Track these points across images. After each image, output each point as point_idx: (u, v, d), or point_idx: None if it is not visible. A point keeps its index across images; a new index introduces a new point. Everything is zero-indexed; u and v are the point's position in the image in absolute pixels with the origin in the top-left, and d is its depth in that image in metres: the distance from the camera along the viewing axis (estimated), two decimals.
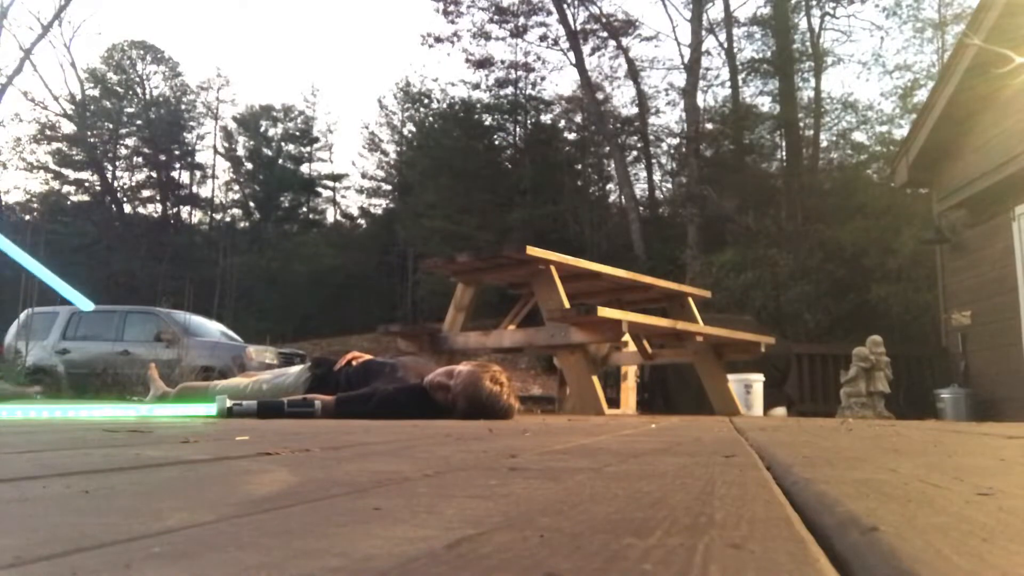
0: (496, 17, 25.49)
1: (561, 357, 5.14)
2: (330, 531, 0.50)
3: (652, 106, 26.16)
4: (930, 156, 9.09)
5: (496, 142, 28.02)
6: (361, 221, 31.92)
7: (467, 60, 27.02)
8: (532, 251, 4.58)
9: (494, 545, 0.46)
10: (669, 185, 26.52)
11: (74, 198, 29.93)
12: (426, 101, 29.48)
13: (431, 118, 28.88)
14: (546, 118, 28.13)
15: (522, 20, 25.65)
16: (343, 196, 33.06)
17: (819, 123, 22.15)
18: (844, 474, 0.92)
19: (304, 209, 32.34)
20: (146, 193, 31.38)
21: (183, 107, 31.36)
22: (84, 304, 3.87)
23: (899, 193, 13.18)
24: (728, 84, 23.01)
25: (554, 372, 8.33)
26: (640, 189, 25.76)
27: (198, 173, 31.72)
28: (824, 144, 22.63)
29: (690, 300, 6.07)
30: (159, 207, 31.50)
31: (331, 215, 33.10)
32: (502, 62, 27.02)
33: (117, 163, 30.33)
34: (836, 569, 0.44)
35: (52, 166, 28.80)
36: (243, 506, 0.61)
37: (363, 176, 32.57)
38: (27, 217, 28.08)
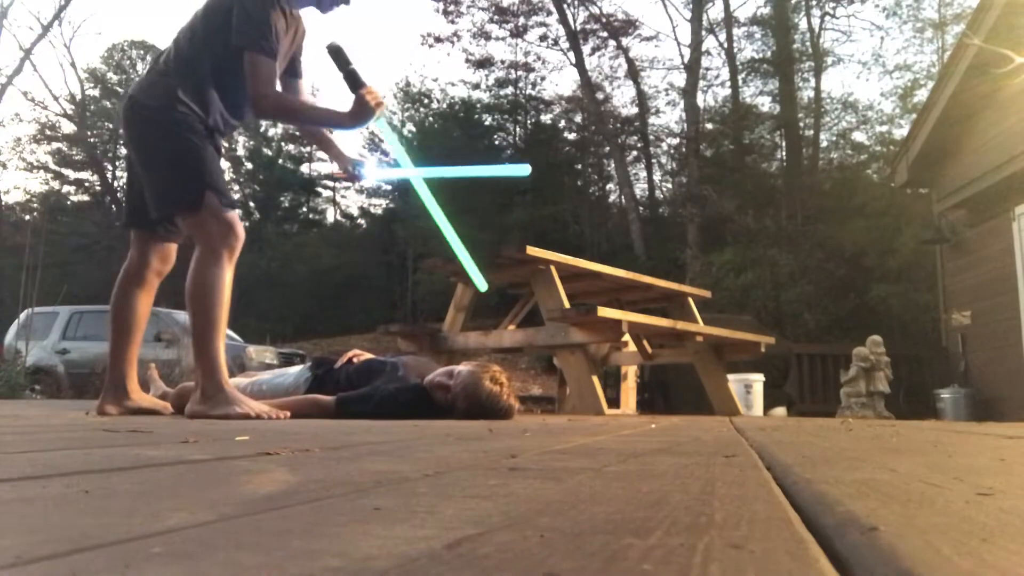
0: (496, 17, 25.52)
1: (561, 357, 5.14)
2: (330, 531, 0.50)
3: (652, 106, 26.18)
4: (930, 156, 9.09)
5: (496, 142, 28.00)
6: (361, 221, 31.92)
7: (467, 60, 27.07)
8: (532, 251, 4.58)
9: (494, 545, 0.46)
10: (669, 185, 26.54)
11: (74, 198, 29.96)
12: (426, 101, 29.47)
13: (431, 118, 28.86)
14: (546, 118, 28.14)
15: (522, 20, 25.67)
16: (343, 196, 33.05)
17: (819, 123, 22.17)
18: (844, 474, 0.92)
19: (304, 209, 32.33)
20: None
21: None
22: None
23: (899, 193, 13.19)
24: (728, 84, 23.03)
25: (554, 372, 8.33)
26: (640, 189, 25.79)
27: None
28: (824, 144, 22.66)
29: (690, 300, 6.07)
30: None
31: (331, 215, 33.11)
32: (502, 62, 27.07)
33: (117, 163, 30.32)
34: (836, 569, 0.44)
35: (52, 166, 28.82)
36: (243, 506, 0.61)
37: None
38: (27, 217, 28.12)
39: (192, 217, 2.73)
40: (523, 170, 3.84)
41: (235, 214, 2.77)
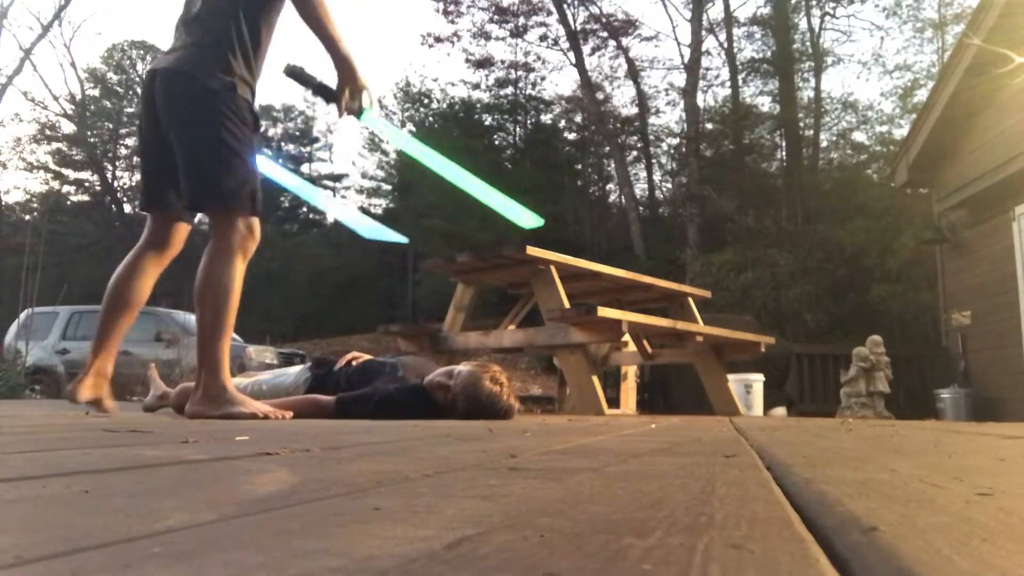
0: (496, 17, 25.58)
1: (561, 357, 5.14)
2: (330, 531, 0.50)
3: (652, 106, 26.23)
4: (930, 156, 9.09)
5: (496, 142, 28.03)
6: None
7: (467, 60, 27.11)
8: (532, 251, 4.58)
9: (494, 545, 0.46)
10: (669, 185, 26.57)
11: (74, 198, 29.99)
12: (426, 101, 29.53)
13: (431, 118, 28.90)
14: (546, 118, 28.21)
15: (522, 20, 25.74)
16: (343, 196, 33.11)
17: (819, 123, 22.20)
18: (844, 474, 0.92)
19: (304, 209, 32.38)
20: None
21: None
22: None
23: (899, 193, 13.19)
24: (728, 84, 23.07)
25: (554, 372, 8.33)
26: (640, 189, 25.83)
27: None
28: (824, 144, 22.71)
29: (690, 300, 6.07)
30: None
31: (331, 215, 33.18)
32: (502, 62, 27.13)
33: (117, 163, 30.36)
34: (836, 569, 0.44)
35: (52, 166, 28.87)
36: (243, 506, 0.61)
37: (363, 176, 32.64)
38: (27, 217, 28.14)
39: (218, 211, 2.65)
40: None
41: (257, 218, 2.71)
